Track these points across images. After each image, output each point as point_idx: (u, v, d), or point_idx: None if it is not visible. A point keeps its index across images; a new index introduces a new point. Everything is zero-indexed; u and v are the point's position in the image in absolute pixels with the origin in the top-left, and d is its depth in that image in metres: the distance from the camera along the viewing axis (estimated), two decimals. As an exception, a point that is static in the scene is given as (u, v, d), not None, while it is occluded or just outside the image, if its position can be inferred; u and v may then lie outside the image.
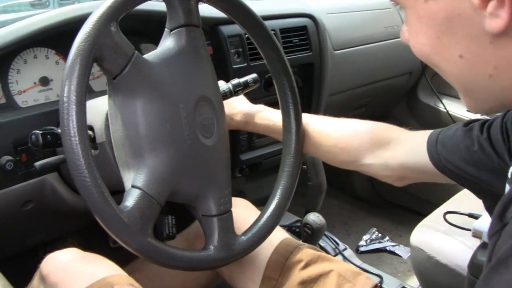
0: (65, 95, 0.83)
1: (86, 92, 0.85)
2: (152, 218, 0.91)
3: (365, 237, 2.59)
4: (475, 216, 1.45)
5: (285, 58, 1.17)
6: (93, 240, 1.89)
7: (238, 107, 1.28)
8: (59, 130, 1.03)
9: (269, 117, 1.25)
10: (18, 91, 1.28)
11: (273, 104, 1.71)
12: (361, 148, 1.12)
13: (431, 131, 1.05)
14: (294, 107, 1.18)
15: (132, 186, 0.92)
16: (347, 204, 2.87)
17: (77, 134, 0.82)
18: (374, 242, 2.56)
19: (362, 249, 2.51)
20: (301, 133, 1.19)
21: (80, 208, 1.33)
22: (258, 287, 1.17)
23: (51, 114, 1.26)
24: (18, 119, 1.21)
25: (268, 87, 1.69)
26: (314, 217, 1.54)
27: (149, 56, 0.98)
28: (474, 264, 1.18)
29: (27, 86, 1.30)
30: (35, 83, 1.31)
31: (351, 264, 1.22)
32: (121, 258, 1.19)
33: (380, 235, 2.60)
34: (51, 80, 1.33)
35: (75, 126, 0.82)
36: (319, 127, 1.20)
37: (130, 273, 1.11)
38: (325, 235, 1.82)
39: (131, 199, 0.90)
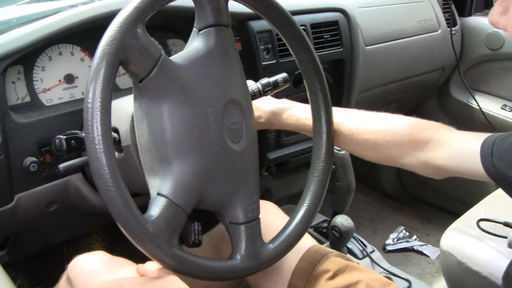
0: (89, 100, 0.80)
1: (111, 97, 0.82)
2: (178, 227, 0.88)
3: (392, 236, 2.54)
4: (511, 225, 1.40)
5: (316, 59, 1.13)
6: (117, 236, 1.88)
7: (261, 107, 1.25)
8: (83, 135, 1.01)
9: (296, 115, 1.22)
10: (43, 89, 1.26)
11: (303, 102, 1.68)
12: (400, 147, 1.10)
13: (475, 135, 1.01)
14: (325, 110, 1.14)
15: (158, 194, 0.89)
16: (374, 200, 2.83)
17: (102, 142, 0.79)
18: (402, 241, 2.51)
19: (389, 248, 2.46)
20: (332, 137, 1.14)
21: (104, 208, 1.31)
22: None
23: (76, 114, 1.24)
24: (42, 119, 1.19)
25: (297, 84, 1.65)
26: (342, 220, 1.50)
27: (177, 58, 0.95)
28: (509, 277, 1.13)
29: (52, 84, 1.28)
30: (60, 80, 1.29)
31: (379, 274, 1.17)
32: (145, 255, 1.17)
33: (407, 233, 2.55)
34: (76, 77, 1.31)
35: (99, 134, 0.79)
36: (355, 122, 1.16)
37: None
38: (352, 236, 1.78)
39: (156, 208, 0.87)
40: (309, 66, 1.13)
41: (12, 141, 1.13)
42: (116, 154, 1.01)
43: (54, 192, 1.23)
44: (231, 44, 1.03)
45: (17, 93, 1.22)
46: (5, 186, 1.14)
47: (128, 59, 0.85)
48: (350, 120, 1.17)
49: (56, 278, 1.19)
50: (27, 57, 1.19)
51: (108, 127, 0.80)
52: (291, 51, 1.14)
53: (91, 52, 1.33)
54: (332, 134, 1.15)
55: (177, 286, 0.90)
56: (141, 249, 0.84)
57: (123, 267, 1.03)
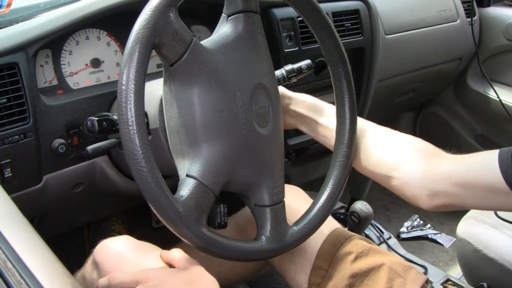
0: (123, 82, 0.82)
1: (145, 80, 0.83)
2: (207, 208, 0.90)
3: (407, 224, 2.55)
4: (527, 214, 1.41)
5: (341, 46, 1.14)
6: (137, 219, 1.91)
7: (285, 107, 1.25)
8: (114, 117, 1.03)
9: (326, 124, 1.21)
10: (70, 73, 1.28)
11: (323, 89, 1.70)
12: (401, 157, 1.08)
13: (489, 153, 0.97)
14: (349, 96, 1.15)
15: (187, 175, 0.91)
16: (387, 189, 2.82)
17: (135, 123, 0.81)
18: (416, 229, 2.53)
19: (403, 236, 2.48)
20: (355, 123, 1.16)
21: (128, 190, 1.34)
22: (307, 276, 1.15)
23: (102, 97, 1.26)
24: (70, 102, 1.21)
25: (318, 72, 1.65)
26: (361, 206, 1.52)
27: (206, 42, 0.96)
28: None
29: (78, 68, 1.30)
30: (86, 64, 1.31)
31: (401, 257, 1.19)
32: (166, 238, 1.19)
33: (422, 222, 2.57)
34: (102, 61, 1.33)
35: (133, 115, 0.81)
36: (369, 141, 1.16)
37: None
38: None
39: (186, 189, 0.89)
40: (334, 53, 1.14)
41: (41, 123, 1.15)
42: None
43: (80, 173, 1.25)
44: (259, 30, 1.04)
45: (45, 76, 1.24)
46: (34, 167, 1.16)
47: (161, 43, 0.87)
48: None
49: (76, 259, 1.21)
50: (55, 41, 1.22)
51: (141, 109, 0.82)
52: (316, 38, 1.15)
53: (117, 37, 1.35)
54: (355, 120, 1.16)
55: (206, 279, 0.92)
56: (170, 228, 0.86)
57: (149, 253, 1.04)
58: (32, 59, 1.14)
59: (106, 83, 1.33)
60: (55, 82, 1.26)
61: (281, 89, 1.25)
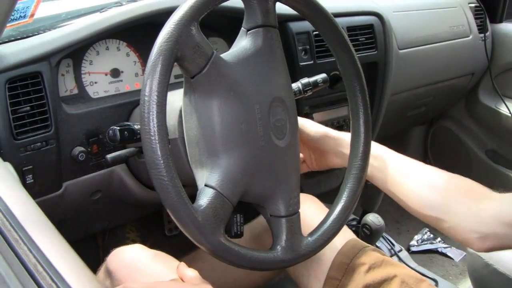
0: (146, 93, 0.84)
1: (167, 91, 0.86)
2: (225, 218, 0.92)
3: (417, 237, 2.56)
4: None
5: (357, 61, 1.16)
6: (151, 227, 1.93)
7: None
8: (135, 126, 1.05)
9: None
10: (90, 82, 1.31)
11: (338, 102, 1.72)
12: (449, 199, 1.07)
13: None
14: (363, 110, 1.17)
15: (206, 185, 0.93)
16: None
17: (157, 134, 0.83)
18: (426, 242, 2.53)
19: (413, 249, 2.48)
20: (370, 137, 1.17)
21: (145, 199, 1.36)
22: (321, 284, 1.17)
23: (121, 107, 1.29)
24: (90, 111, 1.24)
25: (333, 85, 1.68)
26: (373, 218, 1.53)
27: (226, 56, 0.98)
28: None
29: (98, 77, 1.33)
30: (106, 74, 1.34)
31: (413, 270, 1.20)
32: (179, 246, 1.21)
33: (432, 235, 2.57)
34: (122, 72, 1.36)
35: (155, 126, 0.83)
36: (402, 170, 1.17)
37: (191, 262, 1.12)
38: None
39: (205, 198, 0.90)
40: (350, 68, 1.16)
41: (62, 131, 1.18)
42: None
43: (99, 181, 1.28)
44: (278, 44, 1.06)
45: (65, 85, 1.27)
46: (54, 174, 1.19)
47: (183, 55, 0.89)
48: (392, 161, 1.18)
49: (88, 266, 1.23)
50: (77, 51, 1.25)
51: (163, 120, 0.84)
52: (332, 52, 1.16)
53: (136, 47, 1.38)
54: (369, 134, 1.17)
55: None
56: (189, 236, 0.87)
57: (163, 264, 1.05)
58: (55, 68, 1.17)
59: (125, 93, 1.36)
60: (75, 91, 1.29)
61: (324, 130, 1.26)
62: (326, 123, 1.71)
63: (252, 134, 0.98)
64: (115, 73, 1.35)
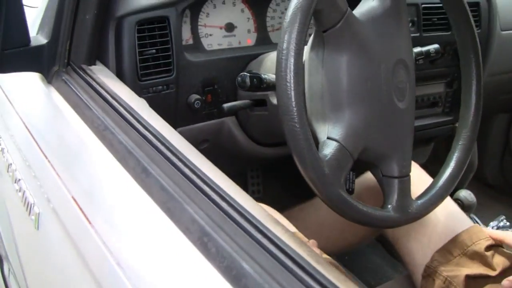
0: (284, 42, 0.86)
1: (304, 42, 0.88)
2: (346, 170, 0.94)
3: (492, 224, 2.51)
4: None
5: (476, 34, 1.16)
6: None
7: None
8: (264, 76, 1.07)
9: None
10: (205, 34, 1.34)
11: (433, 78, 1.71)
12: None
13: None
14: (476, 83, 1.16)
15: (328, 138, 0.95)
16: (474, 189, 2.79)
17: (293, 81, 0.85)
18: (502, 230, 2.49)
19: (488, 235, 2.45)
20: (480, 109, 1.17)
21: (250, 153, 1.40)
22: (421, 245, 1.19)
23: (235, 60, 1.32)
24: (207, 61, 1.28)
25: (433, 61, 1.66)
26: (466, 194, 1.53)
27: (356, 13, 1.00)
28: None
29: (213, 30, 1.36)
30: (221, 28, 1.37)
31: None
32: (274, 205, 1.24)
33: (508, 223, 2.52)
34: (236, 27, 1.39)
35: (292, 72, 0.85)
36: None
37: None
38: (469, 215, 1.79)
39: (328, 150, 0.92)
40: (468, 40, 1.16)
41: (182, 77, 1.22)
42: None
43: (209, 130, 1.32)
44: (404, 7, 1.07)
45: (182, 35, 1.30)
46: (170, 119, 1.22)
47: (321, 8, 0.90)
48: None
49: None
50: (196, 2, 1.28)
51: (300, 69, 0.86)
52: (451, 23, 1.16)
53: (250, 4, 1.40)
54: (480, 105, 1.17)
55: None
56: (310, 183, 0.89)
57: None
58: (180, 15, 1.20)
59: (236, 48, 1.39)
60: (191, 41, 1.32)
61: None
62: (420, 98, 1.71)
63: (376, 92, 0.99)
64: (230, 27, 1.38)
